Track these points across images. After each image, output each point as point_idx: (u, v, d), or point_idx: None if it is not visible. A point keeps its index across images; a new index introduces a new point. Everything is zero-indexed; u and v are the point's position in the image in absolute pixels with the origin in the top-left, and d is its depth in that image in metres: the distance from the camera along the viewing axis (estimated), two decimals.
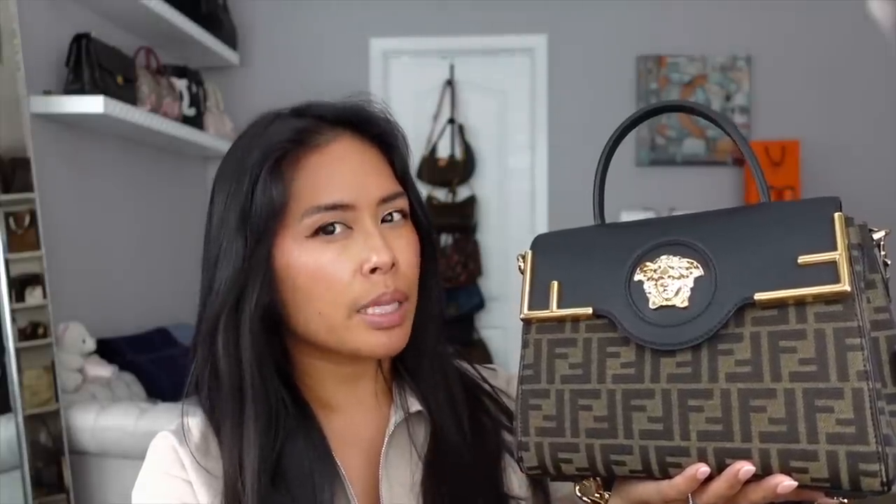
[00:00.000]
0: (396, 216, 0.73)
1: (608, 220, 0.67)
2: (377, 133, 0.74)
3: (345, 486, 0.72)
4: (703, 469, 0.55)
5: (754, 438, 0.53)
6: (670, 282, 0.58)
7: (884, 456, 0.49)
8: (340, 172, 0.70)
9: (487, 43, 3.97)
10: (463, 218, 3.89)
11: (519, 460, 0.63)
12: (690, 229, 0.59)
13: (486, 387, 0.80)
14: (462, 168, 3.94)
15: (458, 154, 3.96)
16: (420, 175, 3.95)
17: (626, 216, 3.78)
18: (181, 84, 3.21)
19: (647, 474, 0.58)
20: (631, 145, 3.89)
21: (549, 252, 0.66)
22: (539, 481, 0.77)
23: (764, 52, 3.87)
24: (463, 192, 3.96)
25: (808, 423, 0.51)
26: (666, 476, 0.57)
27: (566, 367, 0.61)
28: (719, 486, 0.55)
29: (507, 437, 0.75)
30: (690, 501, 0.57)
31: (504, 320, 3.89)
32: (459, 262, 3.84)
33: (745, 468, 0.53)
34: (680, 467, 0.56)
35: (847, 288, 0.51)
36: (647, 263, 0.59)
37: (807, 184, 3.68)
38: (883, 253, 0.55)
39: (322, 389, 0.76)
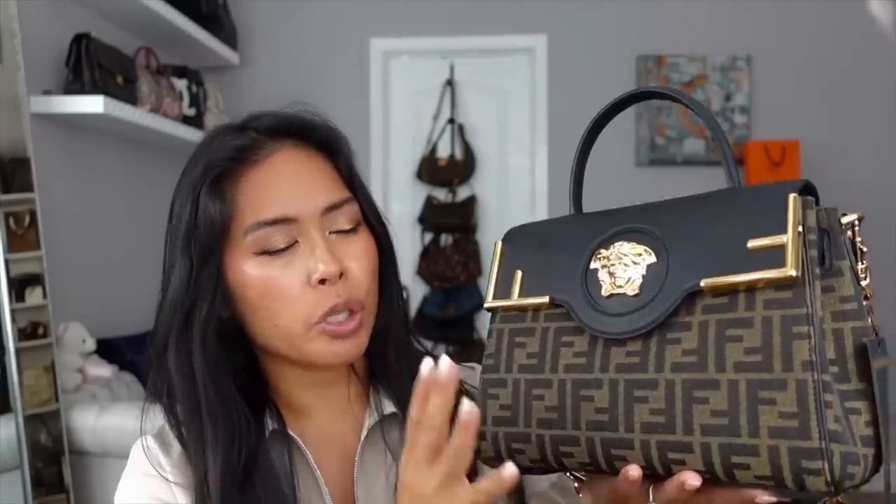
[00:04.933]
0: (347, 223, 0.71)
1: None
2: (319, 140, 0.74)
3: (320, 489, 0.72)
4: (632, 473, 0.53)
5: (695, 431, 0.50)
6: (622, 269, 0.56)
7: (828, 453, 0.46)
8: (280, 186, 0.69)
9: (487, 43, 3.97)
10: (463, 218, 3.88)
11: (476, 450, 0.61)
12: (650, 215, 0.57)
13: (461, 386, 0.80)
14: (462, 168, 3.94)
15: (458, 154, 3.96)
16: (420, 175, 3.95)
17: None
18: (181, 84, 3.21)
19: (595, 468, 0.57)
20: (631, 145, 3.89)
21: (518, 243, 0.65)
22: None
23: (764, 52, 3.87)
24: (463, 192, 3.96)
25: (749, 416, 0.48)
26: (613, 470, 0.55)
27: (524, 356, 0.60)
28: (671, 490, 0.53)
29: None
30: (651, 497, 0.55)
31: None
32: (459, 262, 3.84)
33: (690, 482, 0.51)
34: (625, 461, 0.54)
35: (792, 272, 0.48)
36: (602, 251, 0.58)
37: None
38: (859, 239, 0.52)
39: (294, 395, 0.76)
